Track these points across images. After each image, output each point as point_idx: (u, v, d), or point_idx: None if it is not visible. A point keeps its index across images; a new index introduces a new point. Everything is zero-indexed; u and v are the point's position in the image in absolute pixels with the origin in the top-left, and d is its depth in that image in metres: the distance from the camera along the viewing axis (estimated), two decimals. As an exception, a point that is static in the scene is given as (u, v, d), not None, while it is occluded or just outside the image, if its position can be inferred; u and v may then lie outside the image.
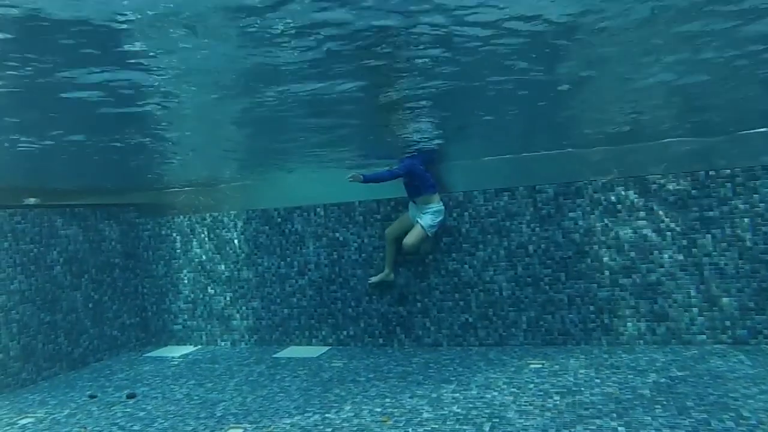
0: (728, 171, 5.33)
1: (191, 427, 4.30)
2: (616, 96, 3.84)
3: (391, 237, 6.06)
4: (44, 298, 6.04)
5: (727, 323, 5.31)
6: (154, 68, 2.52)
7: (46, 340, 6.03)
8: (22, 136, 3.69)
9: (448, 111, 3.98)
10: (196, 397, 5.00)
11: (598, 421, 3.82)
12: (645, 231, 5.53)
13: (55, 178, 5.91)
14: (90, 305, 6.58)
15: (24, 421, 4.71)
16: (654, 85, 3.49)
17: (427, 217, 5.78)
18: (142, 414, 4.69)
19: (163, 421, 4.49)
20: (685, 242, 5.42)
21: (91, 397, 5.23)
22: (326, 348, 6.42)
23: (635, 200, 5.56)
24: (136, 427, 4.39)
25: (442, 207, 5.86)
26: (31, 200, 6.14)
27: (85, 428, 4.43)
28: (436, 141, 5.19)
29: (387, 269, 6.15)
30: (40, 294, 6.00)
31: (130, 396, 5.15)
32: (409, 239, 5.77)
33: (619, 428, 3.69)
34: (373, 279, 6.22)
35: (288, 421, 4.27)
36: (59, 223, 6.31)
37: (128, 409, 4.83)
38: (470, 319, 6.05)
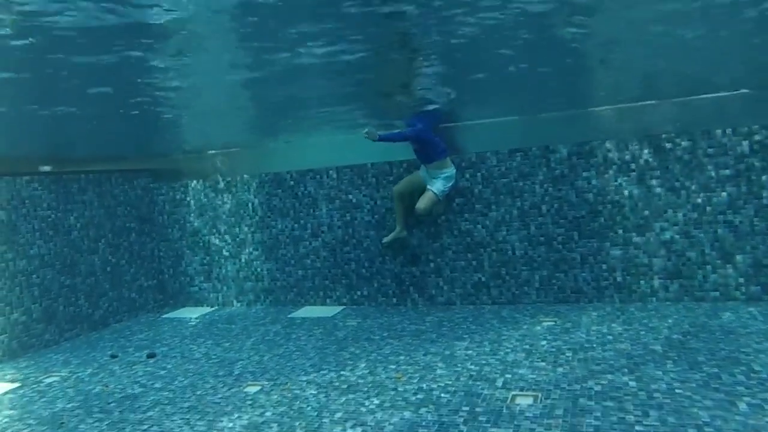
0: (746, 129, 5.26)
1: (210, 385, 4.41)
2: (633, 53, 3.78)
3: (400, 194, 6.05)
4: (63, 262, 6.15)
5: (741, 280, 5.31)
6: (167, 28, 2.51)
7: (67, 302, 6.16)
8: (36, 104, 3.72)
9: (460, 68, 3.94)
10: (214, 356, 5.12)
11: (609, 376, 3.87)
12: (659, 190, 5.50)
13: (70, 145, 5.95)
14: (108, 269, 6.69)
15: (49, 380, 4.86)
16: (670, 40, 3.43)
17: (438, 183, 5.77)
18: (162, 372, 4.82)
19: (183, 379, 4.61)
20: (699, 200, 5.39)
21: (113, 356, 5.37)
22: (340, 308, 6.51)
23: (649, 159, 5.51)
24: (157, 385, 4.52)
25: (454, 171, 5.85)
26: (47, 168, 6.20)
27: (107, 386, 4.56)
28: (447, 100, 5.14)
29: (398, 227, 6.16)
30: (59, 258, 6.11)
31: (151, 355, 5.28)
32: (421, 204, 5.77)
33: (630, 383, 3.74)
34: (387, 239, 6.26)
35: (304, 378, 4.37)
36: (75, 189, 6.38)
37: (149, 368, 4.96)
38: (483, 279, 6.09)
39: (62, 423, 3.92)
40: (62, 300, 6.11)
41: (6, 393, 4.62)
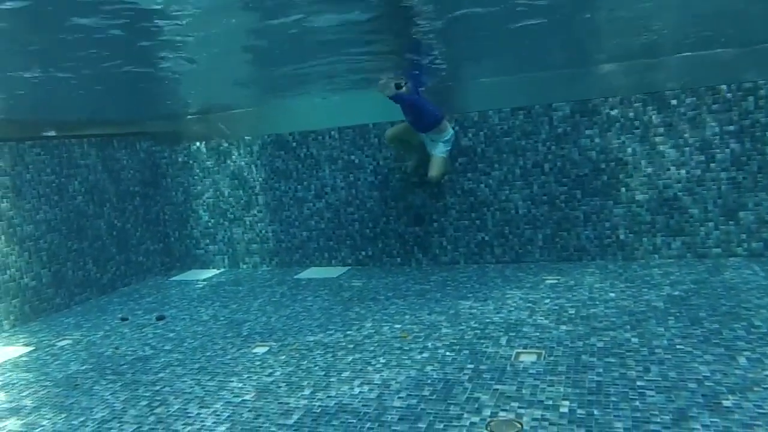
0: (750, 84, 5.20)
1: (219, 346, 4.51)
2: (636, 8, 3.71)
3: (391, 138, 6.07)
4: (70, 227, 6.20)
5: (743, 236, 5.34)
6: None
7: (75, 267, 6.24)
8: (36, 68, 3.69)
9: (459, 30, 3.88)
10: (222, 318, 5.21)
11: (611, 333, 3.94)
12: (662, 147, 5.48)
13: (71, 109, 5.92)
14: (114, 233, 6.75)
15: (62, 343, 4.97)
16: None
17: (440, 146, 5.73)
18: (172, 335, 4.91)
19: (192, 340, 4.71)
20: (703, 157, 5.37)
21: (123, 319, 5.47)
22: (345, 268, 6.58)
23: (653, 116, 5.48)
24: (167, 347, 4.61)
25: (452, 132, 5.81)
26: (51, 132, 6.19)
27: (117, 349, 4.66)
28: (430, 62, 5.05)
29: (409, 157, 6.15)
30: (65, 223, 6.16)
31: (160, 318, 5.37)
32: (433, 172, 5.73)
33: (632, 339, 3.81)
34: (409, 168, 6.22)
35: (311, 338, 4.45)
36: (78, 153, 6.38)
37: (158, 330, 5.06)
38: (486, 238, 6.14)
39: (77, 385, 4.03)
40: (71, 264, 6.18)
41: (21, 356, 4.73)
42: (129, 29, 3.03)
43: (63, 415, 3.58)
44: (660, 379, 3.24)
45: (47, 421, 3.53)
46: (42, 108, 5.53)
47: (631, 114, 5.54)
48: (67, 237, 6.16)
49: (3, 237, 5.53)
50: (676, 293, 4.59)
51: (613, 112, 5.59)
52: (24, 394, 3.96)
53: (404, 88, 5.42)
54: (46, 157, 6.03)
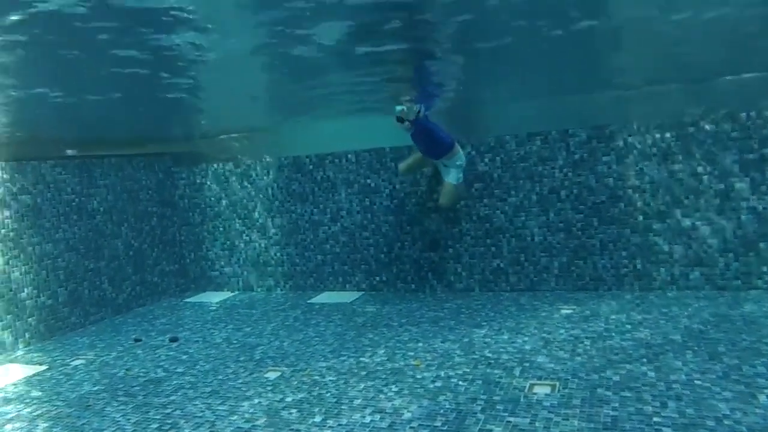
0: (771, 112, 5.16)
1: (231, 370, 4.49)
2: (655, 34, 3.70)
3: (405, 171, 6.14)
4: (87, 246, 6.27)
5: (764, 268, 5.25)
6: (187, 13, 2.51)
7: (92, 286, 6.28)
8: (59, 90, 3.76)
9: (475, 52, 3.89)
10: (235, 341, 5.21)
11: (628, 366, 3.87)
12: (680, 175, 5.43)
13: (92, 129, 6.01)
14: (131, 253, 6.80)
15: (76, 363, 4.99)
16: (696, 20, 3.33)
17: (452, 173, 5.74)
18: (184, 357, 4.91)
19: (204, 363, 4.70)
20: (722, 186, 5.31)
21: (136, 340, 5.49)
22: (359, 293, 6.56)
23: (671, 143, 5.44)
24: (179, 369, 4.61)
25: (464, 157, 5.81)
26: (70, 152, 6.29)
27: (129, 370, 4.67)
28: (457, 83, 5.05)
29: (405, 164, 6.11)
30: (83, 242, 6.22)
31: (173, 339, 5.38)
32: (444, 199, 5.80)
33: (649, 373, 3.74)
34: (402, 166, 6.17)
35: (324, 364, 4.43)
36: (98, 173, 6.47)
37: (171, 352, 5.06)
38: (502, 265, 6.09)
39: (88, 405, 4.03)
40: (87, 284, 6.23)
41: (35, 375, 4.75)
42: (153, 55, 3.08)
43: (74, 437, 3.58)
44: (677, 415, 3.17)
45: (58, 442, 3.53)
46: (65, 127, 5.62)
47: (649, 141, 5.51)
48: (84, 256, 6.22)
49: (22, 255, 5.60)
50: (695, 326, 4.51)
51: (631, 139, 5.56)
52: (37, 413, 3.97)
53: (420, 114, 5.45)
54: (67, 176, 6.12)
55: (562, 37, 3.47)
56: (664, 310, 4.95)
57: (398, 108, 5.39)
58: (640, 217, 5.58)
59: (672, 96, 5.46)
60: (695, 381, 3.56)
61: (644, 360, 3.95)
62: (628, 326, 4.64)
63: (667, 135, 5.45)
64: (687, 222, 5.42)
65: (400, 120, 5.43)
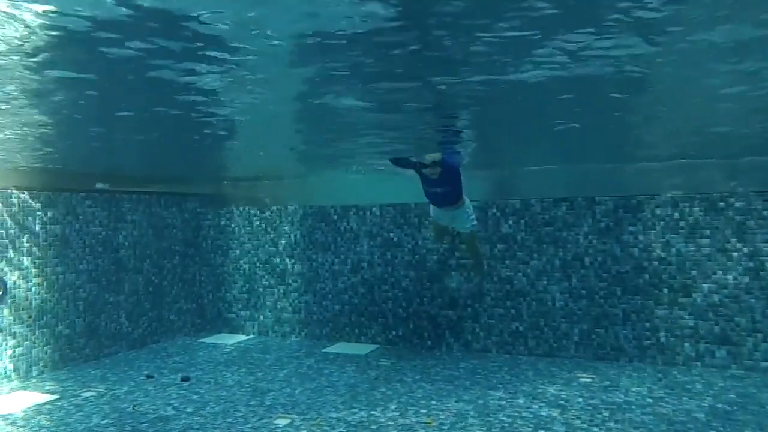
0: (802, 192, 5.11)
1: (241, 414, 4.42)
2: (687, 110, 3.73)
3: (437, 238, 6.20)
4: (109, 279, 6.32)
5: (793, 351, 5.09)
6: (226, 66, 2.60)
7: (109, 319, 6.31)
8: (95, 127, 3.88)
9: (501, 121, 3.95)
10: (246, 385, 5.14)
11: (648, 441, 3.73)
12: (708, 250, 5.36)
13: (124, 165, 6.16)
14: (150, 289, 6.84)
15: (86, 394, 4.95)
16: (728, 96, 3.36)
17: (463, 219, 5.56)
18: (195, 397, 4.85)
19: (214, 405, 4.64)
20: (752, 264, 5.22)
21: (148, 377, 5.45)
22: (375, 346, 6.48)
23: (700, 218, 5.40)
24: (189, 409, 4.55)
25: (470, 202, 5.62)
26: (101, 185, 6.42)
27: (135, 407, 4.62)
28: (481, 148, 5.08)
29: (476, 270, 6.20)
30: (105, 275, 6.28)
31: (185, 379, 5.34)
32: (472, 256, 5.97)
33: (671, 450, 3.60)
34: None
35: (335, 415, 4.34)
36: (126, 208, 6.59)
37: (182, 391, 5.01)
38: (521, 328, 5.99)
39: (95, 439, 3.98)
40: (105, 316, 6.25)
41: (45, 403, 4.72)
42: (186, 108, 3.18)
43: (77, 470, 3.52)
44: (700, 497, 3.03)
45: (61, 473, 3.48)
46: (97, 162, 5.77)
47: (677, 214, 5.47)
48: (105, 289, 6.27)
49: (45, 283, 5.67)
50: (720, 405, 4.35)
51: (658, 211, 5.53)
52: (42, 443, 3.93)
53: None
54: (96, 210, 6.24)
55: (597, 108, 3.52)
56: (687, 387, 4.80)
57: (429, 156, 5.24)
58: (665, 290, 5.48)
59: (702, 170, 5.45)
60: (719, 462, 3.42)
61: (666, 436, 3.81)
62: (649, 400, 4.50)
63: (696, 209, 5.41)
64: (715, 298, 5.32)
65: (433, 164, 4.98)
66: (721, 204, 5.34)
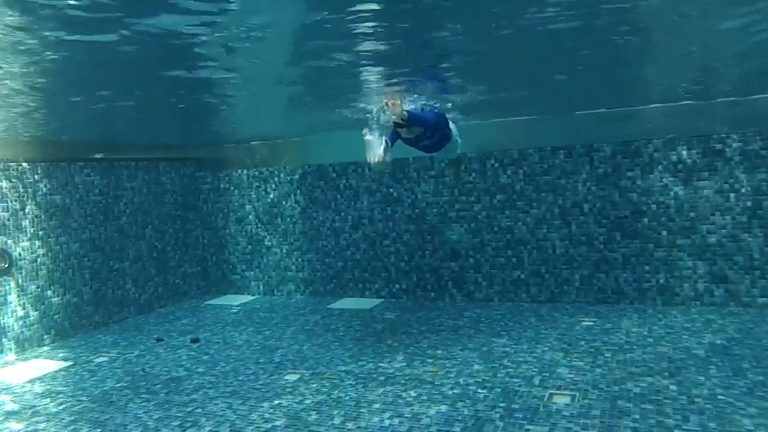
0: (800, 129, 5.11)
1: (251, 371, 4.53)
2: (685, 49, 3.69)
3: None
4: (113, 246, 6.38)
5: (790, 287, 5.18)
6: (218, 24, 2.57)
7: (116, 286, 6.38)
8: (89, 95, 3.85)
9: (501, 69, 3.91)
10: (255, 344, 5.25)
11: (649, 379, 3.84)
12: (706, 192, 5.39)
13: (121, 133, 6.13)
14: (154, 254, 6.90)
15: (99, 360, 5.06)
16: (743, 31, 3.29)
17: (456, 147, 5.12)
18: (205, 357, 4.96)
19: (225, 364, 4.75)
20: (749, 203, 5.26)
21: (158, 340, 5.56)
22: (379, 300, 6.58)
23: (698, 160, 5.41)
24: (200, 369, 4.66)
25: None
26: (99, 154, 6.41)
27: (144, 370, 4.72)
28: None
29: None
30: (109, 243, 6.33)
31: (194, 340, 5.44)
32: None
33: (671, 386, 3.70)
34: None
35: (343, 368, 4.45)
36: (125, 175, 6.59)
37: (192, 353, 5.12)
38: (522, 276, 6.08)
39: (112, 401, 4.09)
40: (111, 283, 6.33)
41: (59, 370, 4.83)
42: (185, 69, 3.15)
43: (98, 431, 3.63)
44: (699, 429, 3.14)
45: (81, 435, 3.59)
46: (94, 130, 5.74)
47: (674, 157, 5.48)
48: (109, 256, 6.33)
49: (50, 254, 5.71)
50: (718, 342, 4.46)
51: (656, 155, 5.54)
52: (62, 407, 4.04)
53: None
54: (95, 178, 6.24)
55: (591, 53, 3.48)
56: (687, 326, 4.90)
57: (393, 117, 4.33)
58: (664, 233, 5.54)
59: (699, 112, 5.43)
60: (718, 396, 3.52)
61: (666, 374, 3.91)
62: (650, 340, 4.60)
63: (693, 151, 5.42)
64: (713, 239, 5.37)
65: (400, 125, 4.32)
66: (719, 146, 5.34)
